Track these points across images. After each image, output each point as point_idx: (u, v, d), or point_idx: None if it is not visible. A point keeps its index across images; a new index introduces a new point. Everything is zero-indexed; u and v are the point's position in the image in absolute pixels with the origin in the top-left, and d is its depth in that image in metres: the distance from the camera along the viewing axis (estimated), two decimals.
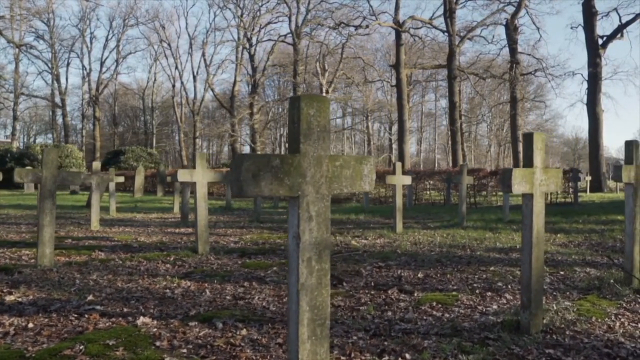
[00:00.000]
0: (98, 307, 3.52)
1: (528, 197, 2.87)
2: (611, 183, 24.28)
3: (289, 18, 40.16)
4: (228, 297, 3.86)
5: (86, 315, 3.32)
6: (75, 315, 3.33)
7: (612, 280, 4.20)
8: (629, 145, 4.08)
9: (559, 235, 7.91)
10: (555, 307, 3.39)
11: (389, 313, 3.39)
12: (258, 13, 43.75)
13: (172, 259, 5.56)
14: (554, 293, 3.99)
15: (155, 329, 3.03)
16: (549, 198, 16.27)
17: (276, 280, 4.49)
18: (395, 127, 43.58)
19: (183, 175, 5.79)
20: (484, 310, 3.47)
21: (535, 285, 2.88)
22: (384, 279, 4.62)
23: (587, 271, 4.95)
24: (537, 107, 44.79)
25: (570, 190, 16.24)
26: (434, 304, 3.60)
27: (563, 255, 6.09)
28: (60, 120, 51.20)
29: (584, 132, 48.98)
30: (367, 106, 48.99)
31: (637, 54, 68.78)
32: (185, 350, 2.69)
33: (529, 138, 2.87)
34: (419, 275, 4.79)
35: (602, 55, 23.45)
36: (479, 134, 56.54)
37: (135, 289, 4.11)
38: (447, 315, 3.33)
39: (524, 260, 2.91)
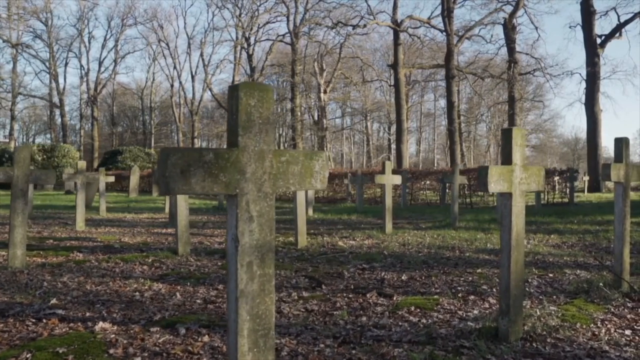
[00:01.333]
0: (59, 312, 3.35)
1: (506, 197, 2.71)
2: (610, 183, 24.07)
3: (287, 18, 40.03)
4: (198, 301, 3.70)
5: (44, 320, 3.15)
6: (33, 320, 3.16)
7: (601, 284, 4.02)
8: (619, 142, 3.90)
9: (552, 236, 7.75)
10: (538, 313, 3.22)
11: (364, 318, 3.22)
12: (256, 13, 43.62)
13: (150, 260, 5.40)
14: (540, 297, 3.82)
15: (113, 335, 2.86)
16: (545, 198, 16.10)
17: None
18: (394, 127, 43.43)
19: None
20: (464, 315, 3.30)
21: (515, 290, 2.71)
22: (366, 281, 4.45)
23: (577, 273, 4.78)
24: (536, 107, 44.64)
25: (567, 190, 16.07)
26: (413, 308, 3.43)
27: (555, 256, 5.92)
28: (59, 120, 51.01)
29: (583, 132, 48.70)
30: (366, 106, 48.83)
31: (636, 54, 68.40)
32: (139, 359, 2.53)
33: (507, 133, 2.70)
34: (402, 277, 4.62)
35: (600, 54, 23.27)
36: (478, 134, 56.40)
37: (104, 292, 3.94)
38: (424, 320, 3.16)
39: (502, 263, 2.74)
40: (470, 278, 4.54)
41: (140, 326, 3.05)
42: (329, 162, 40.84)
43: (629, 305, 3.57)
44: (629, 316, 3.31)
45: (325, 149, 41.82)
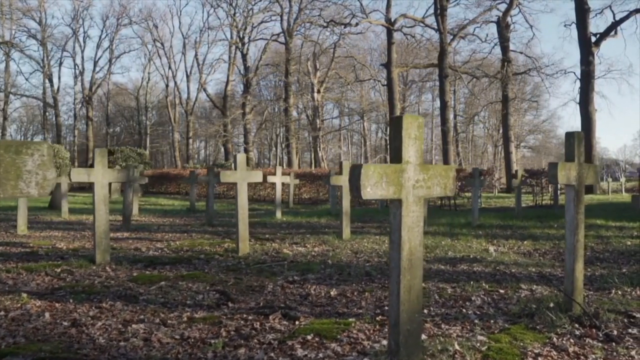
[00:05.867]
0: None
1: (396, 205, 2.11)
2: (604, 184, 23.40)
3: (281, 17, 39.46)
4: (65, 323, 3.11)
5: None
6: None
7: (551, 304, 3.42)
8: (570, 138, 3.31)
9: (525, 242, 7.15)
10: (456, 346, 2.62)
11: (241, 350, 2.63)
12: (250, 12, 43.07)
13: (59, 270, 4.81)
14: (475, 321, 3.22)
15: None
16: (534, 200, 15.47)
17: (151, 299, 3.73)
18: None
19: (78, 175, 5.04)
20: (368, 346, 2.70)
21: (407, 325, 2.12)
22: (287, 297, 3.86)
23: (533, 289, 4.17)
24: (533, 107, 43.96)
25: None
26: (311, 337, 2.84)
27: (519, 266, 5.32)
28: (54, 120, 50.45)
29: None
30: (362, 106, 48.18)
31: (631, 52, 67.16)
32: None
33: (397, 123, 2.10)
34: (332, 292, 4.03)
35: (595, 53, 22.63)
36: (476, 134, 55.69)
37: None
38: (313, 355, 2.56)
39: (391, 289, 2.15)
40: None
41: None
42: (323, 163, 40.19)
43: (576, 333, 2.97)
44: (571, 349, 2.71)
45: (319, 149, 41.22)
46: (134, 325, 3.05)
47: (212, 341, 2.76)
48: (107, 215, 5.18)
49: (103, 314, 3.34)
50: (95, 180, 5.09)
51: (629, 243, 6.88)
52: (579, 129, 24.06)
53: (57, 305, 3.53)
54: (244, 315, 3.30)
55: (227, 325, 3.07)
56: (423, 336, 2.87)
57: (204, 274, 4.71)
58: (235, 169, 5.88)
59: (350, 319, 3.22)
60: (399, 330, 2.09)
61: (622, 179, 26.45)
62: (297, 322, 3.13)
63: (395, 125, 2.10)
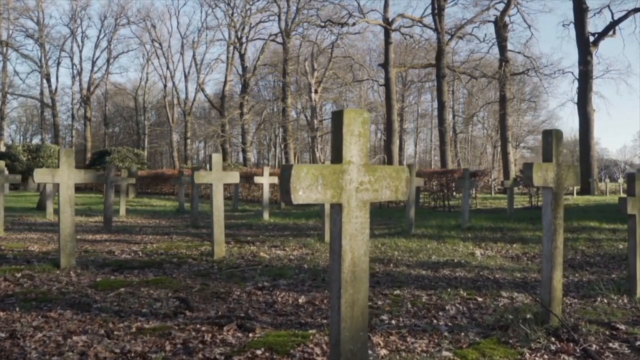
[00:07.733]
0: None
1: (336, 210, 1.89)
2: (602, 185, 23.12)
3: (279, 17, 39.28)
4: (2, 335, 2.89)
5: None
6: None
7: (528, 315, 3.20)
8: (548, 136, 3.09)
9: (514, 245, 6.92)
10: None
11: None
12: (248, 12, 42.91)
13: (19, 275, 4.59)
14: (445, 334, 3.00)
15: None
16: (530, 201, 15.22)
17: (105, 307, 3.51)
18: None
19: (42, 176, 4.82)
20: None
21: (350, 344, 1.89)
22: (251, 305, 3.64)
23: (514, 297, 3.95)
24: (532, 107, 43.71)
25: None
26: (261, 351, 2.62)
27: (504, 272, 5.10)
28: (52, 120, 50.25)
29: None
30: (361, 106, 47.95)
31: (630, 52, 66.60)
32: None
33: (337, 118, 1.88)
34: (300, 300, 3.81)
35: (593, 53, 22.38)
36: (475, 135, 55.42)
37: None
38: None
39: (332, 305, 1.92)
40: (379, 302, 3.72)
41: None
42: (321, 163, 40.03)
43: (551, 348, 2.74)
44: None
45: (317, 149, 41.01)
46: (75, 337, 2.83)
47: (154, 355, 2.55)
48: (73, 217, 4.97)
49: (48, 324, 3.12)
50: (60, 182, 4.88)
51: (620, 246, 6.66)
52: (577, 130, 23.81)
53: (1, 314, 3.32)
54: (198, 326, 3.08)
55: (176, 337, 2.85)
56: (384, 351, 2.66)
57: (170, 279, 4.49)
58: (211, 169, 5.67)
59: (311, 331, 3.00)
60: (340, 351, 1.87)
61: (621, 180, 26.20)
62: (251, 334, 2.91)
63: (335, 120, 1.88)
